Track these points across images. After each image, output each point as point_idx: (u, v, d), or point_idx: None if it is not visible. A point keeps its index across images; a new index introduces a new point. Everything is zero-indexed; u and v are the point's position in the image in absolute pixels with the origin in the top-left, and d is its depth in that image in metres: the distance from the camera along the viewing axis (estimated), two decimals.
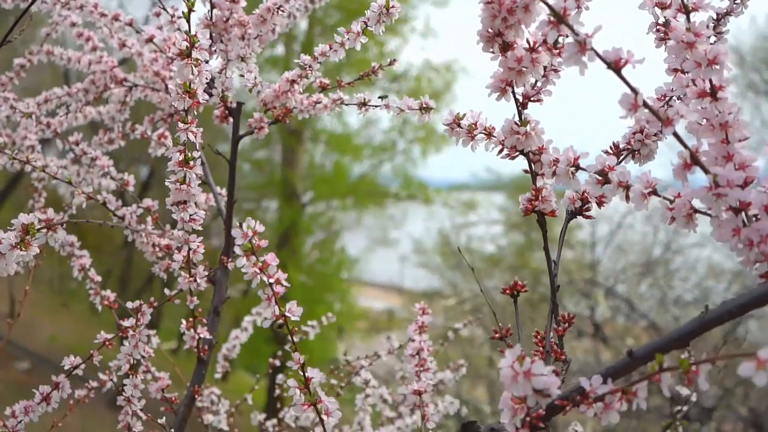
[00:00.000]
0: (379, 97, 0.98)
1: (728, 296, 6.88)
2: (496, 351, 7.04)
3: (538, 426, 0.54)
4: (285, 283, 0.63)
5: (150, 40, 1.04)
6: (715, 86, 0.53)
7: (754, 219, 0.52)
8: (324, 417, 0.65)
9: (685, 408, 1.10)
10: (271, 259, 0.63)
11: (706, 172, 0.51)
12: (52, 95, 1.21)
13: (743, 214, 0.51)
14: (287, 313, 0.63)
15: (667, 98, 0.68)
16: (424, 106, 0.84)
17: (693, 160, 0.51)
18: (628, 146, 0.68)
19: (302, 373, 0.64)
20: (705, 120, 0.54)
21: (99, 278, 1.09)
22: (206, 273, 0.91)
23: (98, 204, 1.07)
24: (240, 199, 12.11)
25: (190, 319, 0.95)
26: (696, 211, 0.54)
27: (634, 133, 0.68)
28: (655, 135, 0.67)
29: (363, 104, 0.95)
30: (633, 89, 0.50)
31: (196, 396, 0.98)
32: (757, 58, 8.88)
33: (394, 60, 0.99)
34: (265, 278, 0.62)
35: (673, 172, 0.52)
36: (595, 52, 0.50)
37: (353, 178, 11.87)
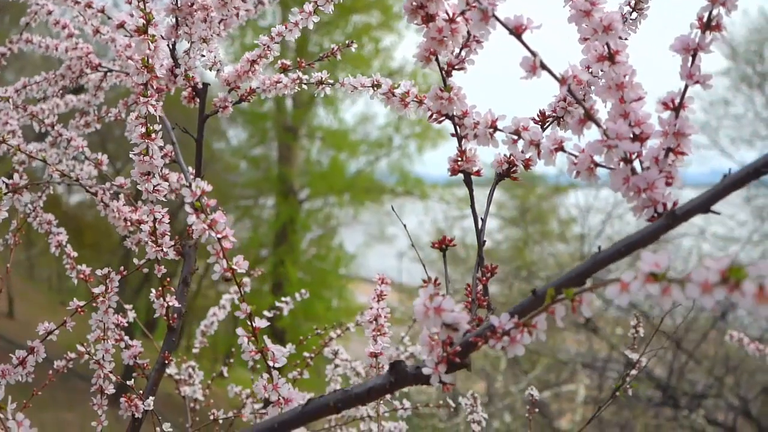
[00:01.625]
0: (374, 86, 0.96)
1: None
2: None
3: (455, 362, 0.59)
4: (232, 238, 0.68)
5: (121, 25, 1.09)
6: (613, 50, 0.59)
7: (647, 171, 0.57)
8: (270, 363, 0.70)
9: (634, 372, 1.15)
10: (219, 216, 0.68)
11: (600, 126, 0.56)
12: (30, 81, 1.26)
13: (633, 164, 0.56)
14: (234, 266, 0.68)
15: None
16: (376, 83, 0.90)
17: (587, 116, 0.57)
18: (554, 113, 0.73)
19: (250, 323, 0.70)
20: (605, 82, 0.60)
21: (75, 254, 1.14)
22: (173, 243, 0.96)
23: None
24: (237, 196, 12.13)
25: (160, 288, 1.00)
26: (596, 164, 0.59)
27: (558, 101, 0.73)
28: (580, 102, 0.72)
29: (320, 83, 1.00)
30: (532, 52, 0.56)
31: (167, 361, 1.03)
32: (750, 50, 8.92)
33: (352, 42, 1.04)
34: (213, 234, 0.67)
35: (570, 127, 0.57)
36: (497, 19, 0.55)
37: (350, 174, 11.92)
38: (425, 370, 0.59)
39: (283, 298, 1.47)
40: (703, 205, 0.52)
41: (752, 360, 5.86)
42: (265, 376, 0.70)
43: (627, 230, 7.79)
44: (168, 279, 1.01)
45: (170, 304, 1.02)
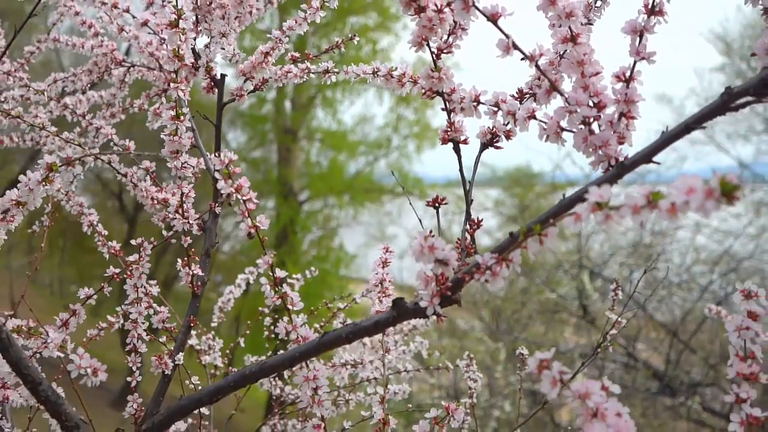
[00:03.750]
0: (374, 72, 1.08)
1: (712, 278, 7.01)
2: (493, 345, 7.20)
3: (448, 295, 0.71)
4: (255, 200, 0.80)
5: (145, 24, 1.21)
6: (575, 33, 0.71)
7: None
8: (290, 307, 0.82)
9: (614, 331, 1.27)
10: (244, 181, 0.80)
11: (563, 95, 0.68)
12: (59, 76, 1.38)
13: (591, 126, 0.68)
14: (258, 224, 0.80)
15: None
16: (376, 69, 1.01)
17: (552, 87, 0.69)
18: (530, 90, 0.85)
19: (272, 274, 0.82)
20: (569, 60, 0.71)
21: (106, 232, 1.26)
22: (197, 216, 1.08)
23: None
24: None
25: (185, 258, 1.12)
26: (562, 128, 0.71)
27: (533, 80, 0.85)
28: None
29: (327, 71, 1.12)
30: (506, 35, 0.68)
31: (192, 324, 1.15)
32: (745, 46, 9.02)
33: (354, 35, 1.16)
34: (239, 196, 0.79)
35: (537, 97, 0.69)
36: (477, 8, 0.67)
37: (349, 175, 12.03)
38: (422, 303, 0.71)
39: (294, 275, 1.58)
40: (646, 156, 0.64)
41: None
42: (285, 318, 0.82)
43: (626, 224, 7.92)
44: (192, 249, 1.13)
45: (195, 272, 1.13)
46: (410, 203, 1.07)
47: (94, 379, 0.77)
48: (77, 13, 1.36)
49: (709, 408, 5.75)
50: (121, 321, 1.25)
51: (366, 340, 1.55)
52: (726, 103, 0.62)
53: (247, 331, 1.70)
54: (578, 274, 6.33)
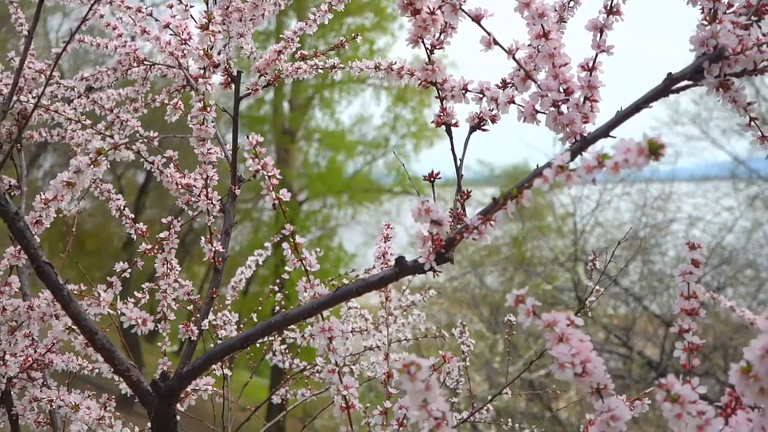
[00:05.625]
0: (376, 67, 1.22)
1: (705, 270, 7.14)
2: (492, 341, 7.34)
3: (442, 253, 0.84)
4: (278, 176, 0.93)
5: (167, 26, 1.34)
6: (546, 30, 0.84)
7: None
8: (308, 268, 0.95)
9: (592, 298, 1.40)
10: (269, 160, 0.93)
11: (535, 83, 0.81)
12: (86, 74, 1.51)
13: (561, 108, 0.81)
14: (280, 196, 0.93)
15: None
16: (378, 64, 1.14)
17: (527, 75, 0.82)
18: (512, 80, 0.98)
19: (292, 240, 0.95)
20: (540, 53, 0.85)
21: (132, 215, 1.39)
22: (220, 198, 1.21)
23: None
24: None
25: (208, 235, 1.25)
26: (536, 111, 0.85)
27: (514, 71, 0.98)
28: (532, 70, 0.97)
29: (333, 67, 1.26)
30: (488, 33, 0.81)
31: (214, 296, 1.28)
32: None
33: (357, 34, 1.30)
34: (265, 173, 0.92)
35: (516, 85, 0.83)
36: (463, 10, 0.80)
37: (347, 175, 12.15)
38: (420, 260, 0.84)
39: (314, 250, 1.72)
40: (604, 132, 0.77)
41: (738, 338, 6.09)
42: (303, 279, 0.95)
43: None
44: (214, 228, 1.26)
45: (217, 249, 1.26)
46: (419, 193, 1.20)
47: (143, 328, 0.90)
48: (102, 16, 1.49)
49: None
50: (147, 297, 1.38)
51: (368, 315, 1.69)
52: (668, 86, 0.75)
53: (259, 307, 1.83)
54: (574, 267, 6.47)
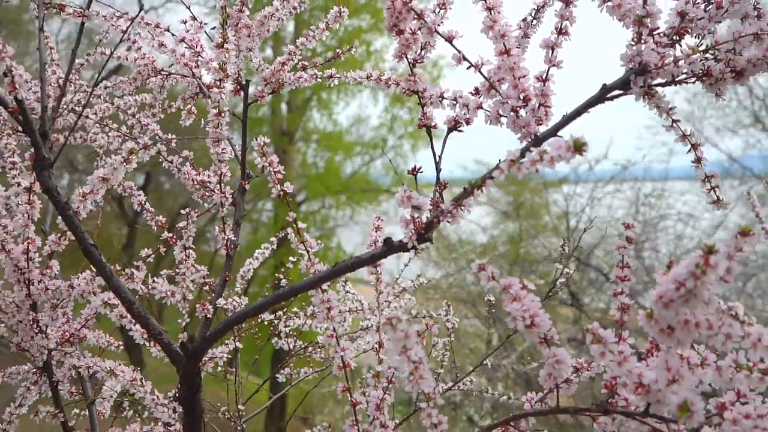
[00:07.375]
0: (368, 77, 1.42)
1: None
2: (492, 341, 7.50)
3: (422, 233, 1.01)
4: (282, 171, 1.10)
5: (182, 40, 1.51)
6: (507, 48, 1.01)
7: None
8: (308, 249, 1.12)
9: (562, 279, 1.57)
10: (275, 158, 1.10)
11: (498, 92, 0.99)
12: (109, 84, 1.68)
13: (519, 113, 0.98)
14: (285, 188, 1.10)
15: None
16: (369, 75, 1.31)
17: (491, 86, 0.99)
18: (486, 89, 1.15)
19: (295, 225, 1.12)
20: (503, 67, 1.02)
21: (153, 209, 1.56)
22: (231, 191, 1.38)
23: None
24: None
25: (222, 225, 1.42)
26: (500, 114, 1.02)
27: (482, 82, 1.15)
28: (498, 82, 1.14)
29: (331, 77, 1.43)
30: (458, 51, 0.98)
31: (227, 279, 1.45)
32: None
33: (352, 47, 1.47)
34: (271, 168, 1.09)
35: (480, 92, 1.00)
36: (437, 31, 0.97)
37: (345, 175, 12.31)
38: (404, 240, 1.01)
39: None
40: (551, 133, 0.94)
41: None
42: (306, 257, 1.12)
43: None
44: (227, 221, 1.43)
45: (229, 237, 1.43)
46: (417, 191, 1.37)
47: (172, 299, 1.07)
48: (123, 32, 1.66)
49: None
50: (165, 285, 1.55)
51: (363, 300, 1.86)
52: (603, 95, 0.92)
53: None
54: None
